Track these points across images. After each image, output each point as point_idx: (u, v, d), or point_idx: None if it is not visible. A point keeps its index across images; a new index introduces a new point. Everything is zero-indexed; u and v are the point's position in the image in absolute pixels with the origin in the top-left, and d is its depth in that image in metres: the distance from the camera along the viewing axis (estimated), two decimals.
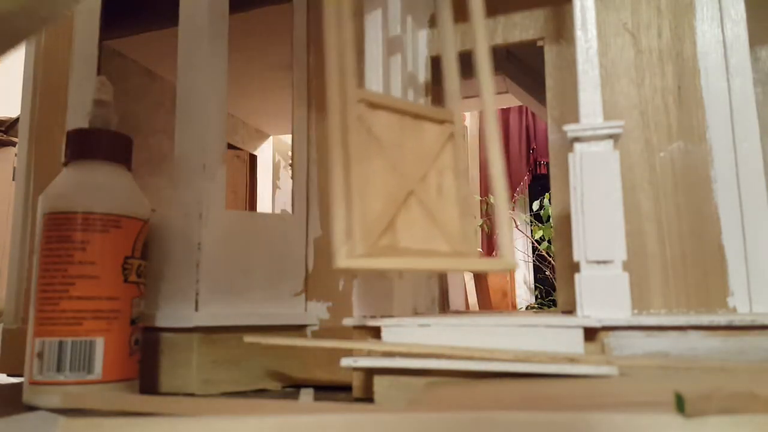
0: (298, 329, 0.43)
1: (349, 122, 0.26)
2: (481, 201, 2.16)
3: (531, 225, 2.25)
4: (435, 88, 0.46)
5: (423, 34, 0.45)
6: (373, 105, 0.28)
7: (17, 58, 0.37)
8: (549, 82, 0.41)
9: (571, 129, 0.33)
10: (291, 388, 0.42)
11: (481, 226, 2.18)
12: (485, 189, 2.21)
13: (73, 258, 0.33)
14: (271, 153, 0.84)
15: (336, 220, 0.25)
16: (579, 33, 0.34)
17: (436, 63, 0.46)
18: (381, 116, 0.29)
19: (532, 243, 2.24)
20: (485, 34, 0.29)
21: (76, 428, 0.18)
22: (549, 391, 0.25)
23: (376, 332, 0.35)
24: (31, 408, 0.32)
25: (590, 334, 0.31)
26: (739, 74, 0.35)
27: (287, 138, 0.86)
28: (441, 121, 0.31)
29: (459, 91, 0.31)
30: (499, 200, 0.28)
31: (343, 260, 0.25)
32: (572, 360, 0.29)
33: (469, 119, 2.17)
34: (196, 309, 0.39)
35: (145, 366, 0.37)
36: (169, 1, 0.43)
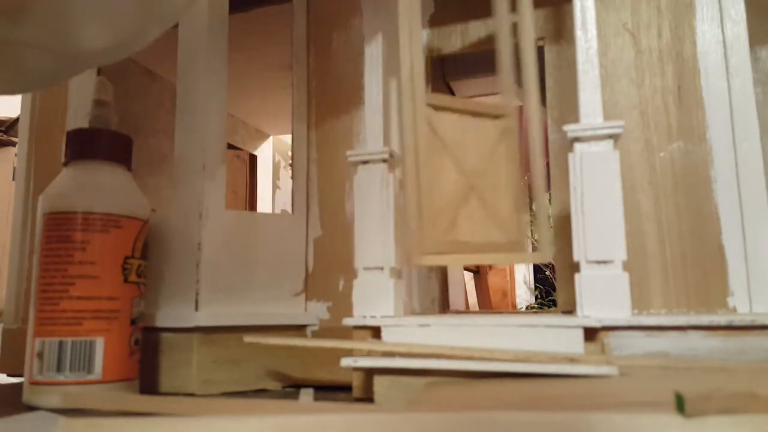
0: (298, 329, 0.43)
1: (419, 126, 0.29)
2: None
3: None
4: (434, 88, 0.46)
5: (423, 34, 0.45)
6: (438, 107, 0.31)
7: None
8: (549, 82, 0.41)
9: (571, 129, 0.33)
10: (291, 388, 0.42)
11: None
12: None
13: (73, 258, 0.33)
14: (271, 153, 0.84)
15: (408, 219, 0.28)
16: (579, 33, 0.34)
17: (435, 63, 0.46)
18: (444, 117, 0.31)
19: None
20: (533, 30, 0.31)
21: (76, 428, 0.18)
22: (549, 391, 0.25)
23: (376, 332, 0.35)
24: (31, 408, 0.32)
25: (590, 334, 0.31)
26: (739, 74, 0.35)
27: (287, 138, 0.86)
28: (497, 116, 0.33)
29: (513, 83, 0.34)
30: (537, 195, 0.30)
31: (416, 258, 0.28)
32: (572, 360, 0.29)
33: None
34: (196, 309, 0.39)
35: (145, 366, 0.37)
36: None
